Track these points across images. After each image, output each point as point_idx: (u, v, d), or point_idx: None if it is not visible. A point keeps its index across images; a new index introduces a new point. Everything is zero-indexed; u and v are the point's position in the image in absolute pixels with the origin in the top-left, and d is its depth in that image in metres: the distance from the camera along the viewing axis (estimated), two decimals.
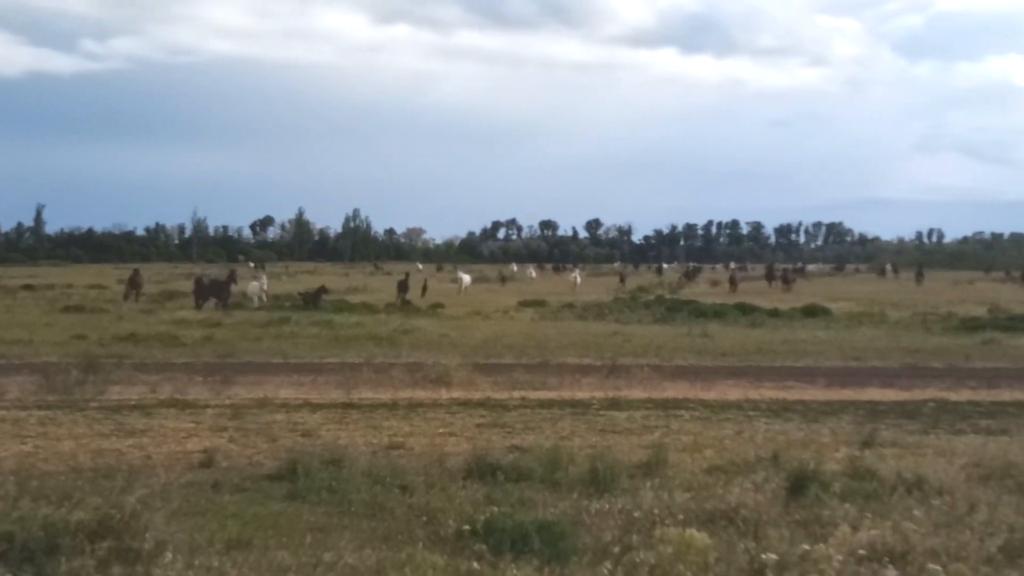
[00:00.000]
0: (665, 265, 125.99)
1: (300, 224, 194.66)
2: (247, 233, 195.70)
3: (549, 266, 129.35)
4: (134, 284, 46.81)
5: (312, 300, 41.85)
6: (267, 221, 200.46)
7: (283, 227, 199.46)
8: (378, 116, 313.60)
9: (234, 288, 43.66)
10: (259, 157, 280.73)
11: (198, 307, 40.83)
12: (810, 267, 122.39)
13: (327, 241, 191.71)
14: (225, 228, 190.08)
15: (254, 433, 13.33)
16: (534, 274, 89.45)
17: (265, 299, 45.68)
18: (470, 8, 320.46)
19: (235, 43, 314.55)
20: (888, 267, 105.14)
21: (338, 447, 11.69)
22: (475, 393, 17.20)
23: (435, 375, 18.50)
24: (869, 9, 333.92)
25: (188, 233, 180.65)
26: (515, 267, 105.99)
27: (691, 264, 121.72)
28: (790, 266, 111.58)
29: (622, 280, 71.24)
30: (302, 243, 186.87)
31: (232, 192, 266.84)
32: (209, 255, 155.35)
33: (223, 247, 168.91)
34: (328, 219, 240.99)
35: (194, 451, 12.05)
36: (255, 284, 46.94)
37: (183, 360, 21.90)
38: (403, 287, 47.40)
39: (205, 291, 42.78)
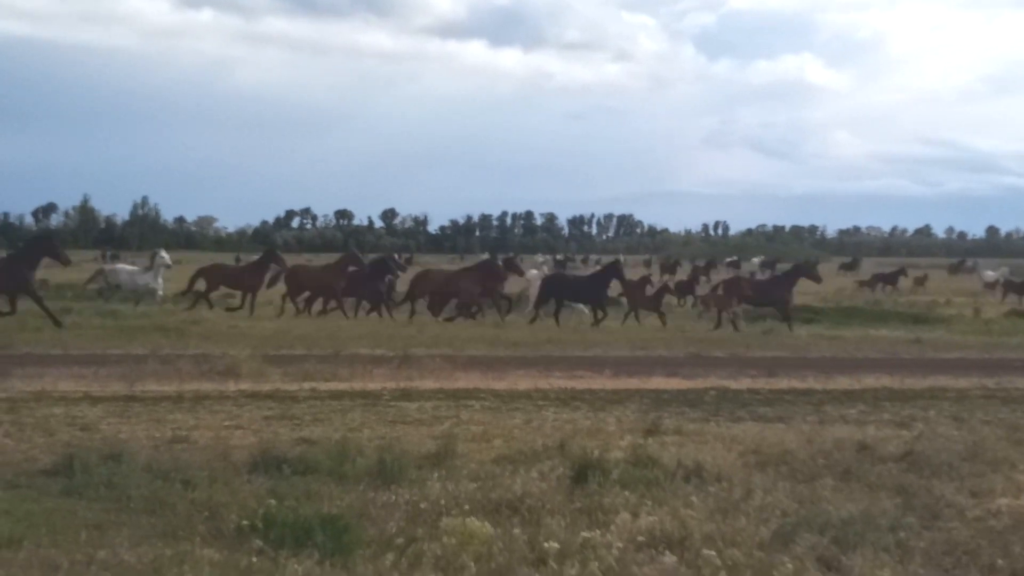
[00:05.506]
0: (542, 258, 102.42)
1: (85, 211, 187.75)
2: (29, 220, 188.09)
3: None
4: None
5: None
6: (50, 208, 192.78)
7: (67, 214, 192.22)
8: (174, 102, 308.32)
9: (389, 280, 34.34)
10: (44, 142, 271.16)
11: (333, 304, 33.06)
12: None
13: (114, 229, 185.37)
14: (6, 215, 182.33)
15: (30, 427, 12.73)
16: None
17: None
18: None
19: (28, 24, 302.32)
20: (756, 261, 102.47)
21: (118, 441, 11.31)
22: (264, 385, 16.87)
23: (223, 367, 18.04)
24: (663, 6, 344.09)
25: None
26: None
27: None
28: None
29: None
30: (87, 231, 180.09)
31: (13, 177, 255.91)
32: None
33: (3, 235, 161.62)
34: (115, 206, 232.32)
35: None
36: None
37: None
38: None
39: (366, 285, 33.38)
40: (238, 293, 33.75)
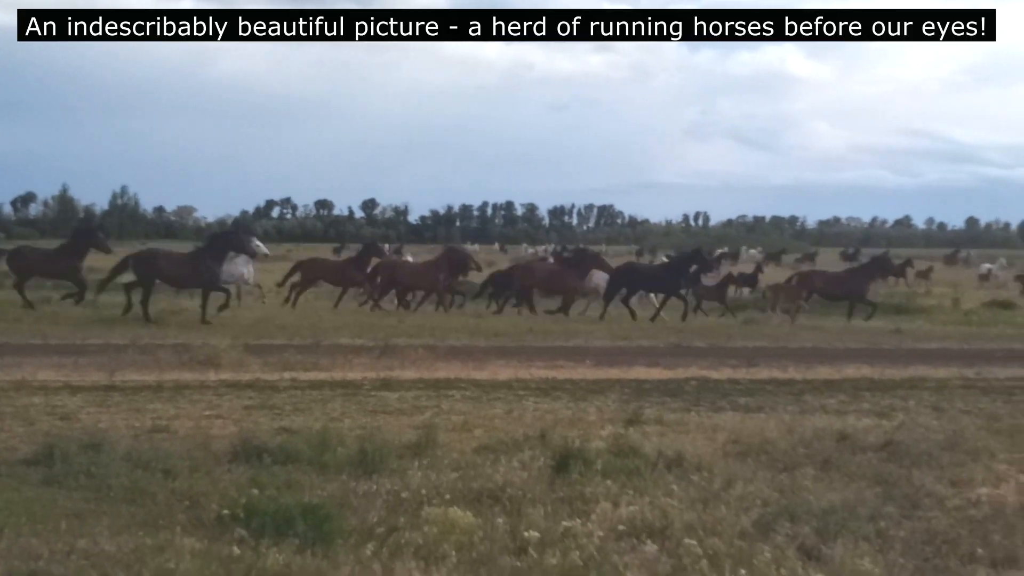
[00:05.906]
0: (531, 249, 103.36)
1: (64, 201, 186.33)
2: (8, 210, 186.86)
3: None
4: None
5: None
6: (29, 198, 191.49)
7: (46, 204, 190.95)
8: (154, 91, 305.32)
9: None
10: (22, 131, 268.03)
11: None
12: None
13: (93, 219, 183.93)
14: None
15: (10, 417, 12.65)
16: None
17: None
18: None
19: (5, 12, 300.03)
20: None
21: (98, 431, 11.22)
22: (244, 375, 16.81)
23: (204, 356, 17.95)
24: None
25: None
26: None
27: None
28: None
29: None
30: (66, 221, 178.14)
31: None
32: None
33: None
34: (94, 196, 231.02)
35: None
36: None
37: None
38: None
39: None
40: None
